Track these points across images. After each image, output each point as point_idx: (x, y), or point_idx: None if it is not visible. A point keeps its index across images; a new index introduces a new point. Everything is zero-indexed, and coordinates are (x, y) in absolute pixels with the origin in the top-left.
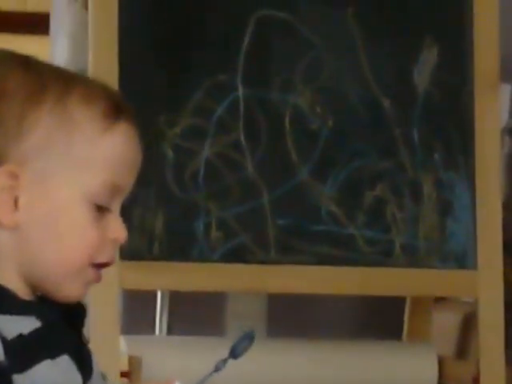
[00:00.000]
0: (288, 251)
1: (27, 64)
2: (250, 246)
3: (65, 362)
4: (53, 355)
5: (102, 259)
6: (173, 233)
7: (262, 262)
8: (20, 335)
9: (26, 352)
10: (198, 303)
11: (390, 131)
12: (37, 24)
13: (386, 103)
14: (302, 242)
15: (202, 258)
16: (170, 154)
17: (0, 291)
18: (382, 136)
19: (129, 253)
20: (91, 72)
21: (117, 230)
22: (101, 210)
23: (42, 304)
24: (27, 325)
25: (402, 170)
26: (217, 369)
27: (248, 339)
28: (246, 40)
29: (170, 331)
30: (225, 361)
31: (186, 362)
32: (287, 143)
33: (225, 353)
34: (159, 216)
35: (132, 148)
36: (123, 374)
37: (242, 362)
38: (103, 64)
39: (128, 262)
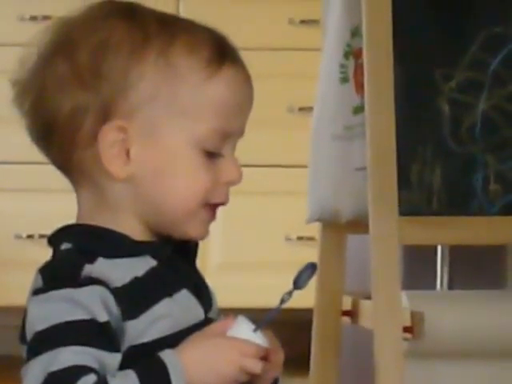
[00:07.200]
0: None
1: (131, 14)
2: None
3: (184, 297)
4: (171, 292)
5: (215, 200)
6: (451, 187)
7: None
8: (135, 278)
9: (143, 294)
10: (477, 257)
11: None
12: None
13: None
14: None
15: (481, 212)
16: (446, 108)
17: (112, 236)
18: None
19: (408, 208)
20: (365, 30)
21: (230, 172)
22: (212, 155)
23: (156, 242)
24: (142, 265)
25: None
26: (283, 301)
27: (310, 269)
28: None
29: (450, 286)
30: (290, 293)
31: (468, 316)
32: None
33: (506, 306)
34: (437, 171)
35: (239, 92)
36: (406, 329)
37: None
38: (377, 22)
39: (407, 217)
